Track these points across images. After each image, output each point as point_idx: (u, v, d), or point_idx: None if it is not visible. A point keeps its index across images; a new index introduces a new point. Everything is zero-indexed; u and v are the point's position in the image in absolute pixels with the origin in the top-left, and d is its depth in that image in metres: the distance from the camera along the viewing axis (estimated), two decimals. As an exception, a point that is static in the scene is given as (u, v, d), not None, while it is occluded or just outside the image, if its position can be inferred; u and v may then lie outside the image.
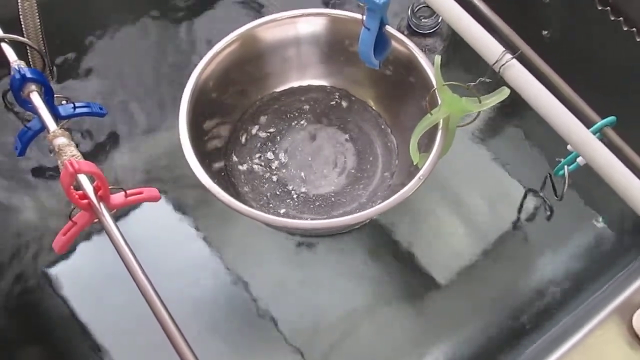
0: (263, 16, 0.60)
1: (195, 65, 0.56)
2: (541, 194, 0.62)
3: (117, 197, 0.45)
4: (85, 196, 0.42)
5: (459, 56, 0.69)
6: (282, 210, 0.59)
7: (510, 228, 0.62)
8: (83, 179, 0.43)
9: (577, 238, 0.61)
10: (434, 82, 0.51)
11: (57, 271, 0.59)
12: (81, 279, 0.59)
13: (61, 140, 0.45)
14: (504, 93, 0.46)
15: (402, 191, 0.49)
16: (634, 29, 0.70)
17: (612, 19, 0.71)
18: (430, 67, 0.54)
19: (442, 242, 0.61)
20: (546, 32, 0.70)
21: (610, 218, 0.61)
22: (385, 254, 0.60)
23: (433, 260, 0.60)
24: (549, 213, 0.61)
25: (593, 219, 0.62)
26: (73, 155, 0.44)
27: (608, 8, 0.71)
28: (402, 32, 0.63)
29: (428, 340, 0.57)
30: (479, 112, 0.48)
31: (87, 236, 0.60)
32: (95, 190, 0.42)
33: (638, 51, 0.66)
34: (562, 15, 0.72)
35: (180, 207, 0.62)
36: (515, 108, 0.65)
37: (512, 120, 0.67)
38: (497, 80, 0.45)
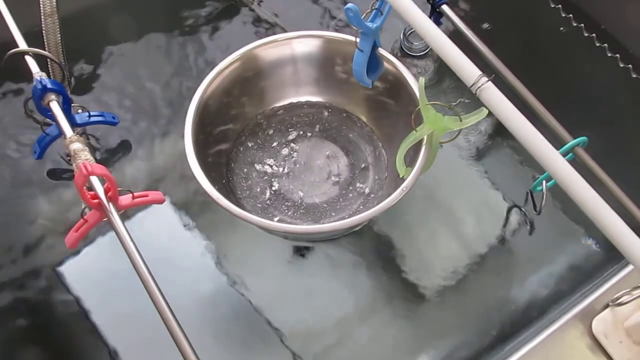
0: (270, 34, 0.61)
1: (202, 80, 0.58)
2: (523, 209, 0.63)
3: (125, 199, 0.46)
4: (96, 196, 0.44)
5: (448, 77, 0.70)
6: (278, 218, 0.60)
7: (496, 241, 0.62)
8: (95, 181, 0.45)
9: (561, 251, 0.62)
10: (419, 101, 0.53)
11: (67, 269, 0.60)
12: (89, 277, 0.60)
13: (76, 146, 0.48)
14: (482, 113, 0.48)
15: (385, 201, 0.51)
16: (605, 44, 0.72)
17: (586, 35, 0.73)
18: (417, 87, 0.56)
19: (431, 253, 0.62)
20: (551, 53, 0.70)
21: (594, 231, 0.60)
22: (377, 263, 0.61)
23: (422, 271, 0.61)
24: (529, 227, 0.63)
25: (577, 232, 0.63)
26: (87, 159, 0.46)
27: (582, 25, 0.73)
28: (396, 54, 0.66)
29: (418, 347, 0.58)
30: (460, 129, 0.50)
31: (94, 238, 0.62)
32: (106, 192, 0.44)
33: (615, 72, 0.68)
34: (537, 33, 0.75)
35: (183, 211, 0.63)
36: (502, 125, 0.66)
37: (500, 136, 0.69)
38: (477, 101, 0.47)
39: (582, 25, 0.73)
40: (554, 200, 0.62)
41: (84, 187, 0.44)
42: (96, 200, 0.45)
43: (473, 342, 0.58)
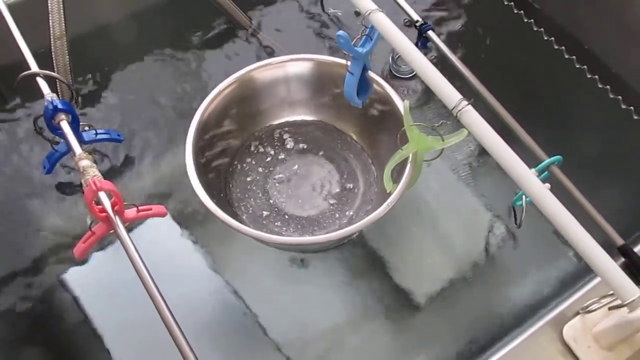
0: (269, 54, 0.64)
1: (202, 100, 0.60)
2: (505, 223, 0.66)
3: (130, 212, 0.48)
4: (103, 210, 0.46)
5: (435, 97, 0.68)
6: (273, 229, 0.62)
7: (480, 254, 0.64)
8: (102, 196, 0.46)
9: (541, 262, 0.63)
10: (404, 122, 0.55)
11: (73, 277, 0.61)
12: (94, 285, 0.61)
13: (85, 163, 0.49)
14: (463, 134, 0.51)
15: (372, 215, 0.53)
16: (585, 66, 0.74)
17: (567, 57, 0.75)
18: (403, 108, 0.57)
19: (420, 264, 0.63)
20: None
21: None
22: (369, 274, 0.62)
23: (412, 281, 0.62)
24: (512, 240, 0.65)
25: (557, 244, 0.64)
26: (95, 175, 0.48)
27: (563, 47, 0.76)
28: (385, 76, 0.69)
29: (408, 356, 0.59)
30: (442, 149, 0.53)
31: (100, 247, 0.63)
32: (112, 205, 0.46)
33: (592, 93, 0.69)
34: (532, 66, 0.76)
35: (184, 223, 0.64)
36: None
37: (486, 152, 0.69)
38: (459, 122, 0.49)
39: (564, 47, 0.75)
40: (537, 213, 0.63)
41: (93, 202, 0.46)
42: (104, 214, 0.46)
43: (454, 351, 0.59)
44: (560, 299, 0.53)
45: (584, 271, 0.59)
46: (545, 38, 0.78)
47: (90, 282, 0.62)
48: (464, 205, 0.68)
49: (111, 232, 0.47)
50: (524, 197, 0.57)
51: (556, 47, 0.76)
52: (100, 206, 0.46)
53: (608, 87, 0.74)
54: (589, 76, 0.73)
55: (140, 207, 0.49)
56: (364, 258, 0.64)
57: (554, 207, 0.45)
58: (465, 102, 0.49)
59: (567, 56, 0.73)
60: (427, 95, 0.72)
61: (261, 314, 0.60)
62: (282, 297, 0.61)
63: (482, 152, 0.70)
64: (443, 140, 0.52)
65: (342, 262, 0.63)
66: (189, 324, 0.54)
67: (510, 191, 0.65)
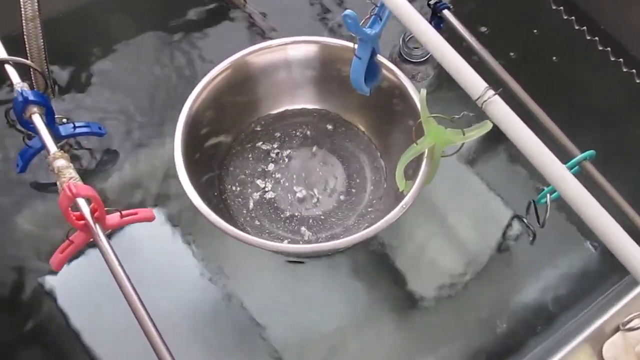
0: (265, 37, 0.62)
1: (193, 87, 0.57)
2: (525, 220, 0.63)
3: (113, 218, 0.46)
4: (82, 217, 0.43)
5: (449, 83, 0.68)
6: (272, 230, 0.60)
7: (496, 251, 0.62)
8: (80, 201, 0.43)
9: (563, 261, 0.62)
10: (420, 113, 0.52)
11: (54, 282, 0.59)
12: (77, 289, 0.59)
13: (60, 163, 0.46)
14: (487, 126, 0.48)
15: (385, 219, 0.50)
16: (621, 59, 0.72)
17: (600, 48, 0.73)
18: (418, 96, 0.55)
19: (429, 261, 0.62)
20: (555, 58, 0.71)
21: (597, 244, 0.62)
22: (372, 272, 0.61)
23: (419, 279, 0.61)
24: (531, 238, 0.62)
25: (580, 242, 0.62)
26: (72, 178, 0.45)
27: (597, 38, 0.73)
28: (394, 60, 0.65)
29: (413, 358, 0.58)
30: (463, 143, 0.49)
31: (84, 250, 0.58)
32: (92, 212, 0.43)
33: (626, 84, 0.68)
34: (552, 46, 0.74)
35: (174, 223, 0.62)
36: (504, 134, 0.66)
37: (502, 144, 0.68)
38: (482, 112, 0.46)
39: (593, 34, 0.73)
40: (558, 211, 0.62)
41: (69, 208, 0.43)
42: (82, 222, 0.44)
43: (471, 357, 0.57)
44: (591, 306, 0.52)
45: (611, 274, 0.59)
46: (577, 27, 0.74)
47: (73, 286, 0.60)
48: (476, 199, 0.66)
49: (91, 240, 0.45)
50: (548, 194, 0.55)
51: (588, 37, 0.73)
52: (77, 213, 0.44)
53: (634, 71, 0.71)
54: (624, 70, 0.71)
55: (124, 212, 0.47)
56: (368, 255, 0.62)
57: (593, 208, 0.41)
58: (491, 92, 0.45)
59: (600, 48, 0.71)
60: (438, 81, 0.69)
61: (259, 316, 0.59)
62: (281, 299, 0.60)
63: (494, 142, 0.68)
64: (464, 134, 0.49)
65: (344, 259, 0.61)
66: (179, 329, 0.56)
67: (526, 185, 0.66)
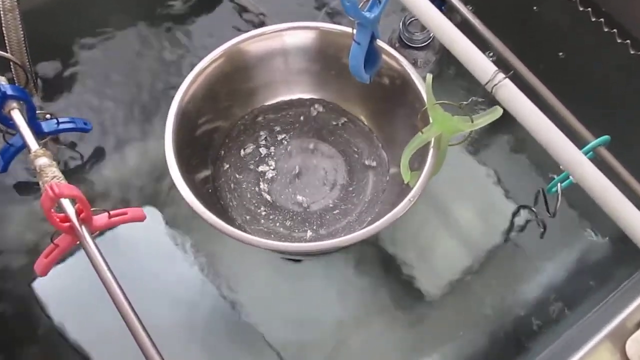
0: (258, 24, 0.60)
1: (183, 79, 0.56)
2: (534, 210, 0.62)
3: (100, 219, 0.44)
4: (67, 219, 0.42)
5: (452, 69, 0.68)
6: (270, 227, 0.58)
7: (502, 242, 0.61)
8: (65, 202, 0.42)
9: (571, 253, 0.61)
10: (425, 100, 0.51)
11: (42, 285, 0.58)
12: (66, 292, 0.59)
13: (42, 161, 0.44)
14: (497, 112, 0.46)
15: (391, 213, 0.49)
16: (627, 40, 0.71)
17: (606, 30, 0.71)
18: (421, 83, 0.54)
19: (433, 254, 0.61)
20: (562, 54, 0.70)
21: (606, 233, 0.61)
22: (374, 266, 0.60)
23: (423, 273, 0.60)
24: (542, 230, 0.61)
25: (588, 234, 0.62)
26: (55, 177, 0.43)
27: (602, 19, 0.72)
28: (394, 45, 0.64)
29: (417, 353, 0.57)
30: (471, 131, 0.48)
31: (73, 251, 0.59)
32: (77, 213, 0.42)
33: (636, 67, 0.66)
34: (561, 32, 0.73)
35: (167, 221, 0.62)
36: (511, 122, 0.65)
37: (508, 133, 0.67)
38: (491, 98, 0.45)
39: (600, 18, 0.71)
40: (568, 200, 0.61)
41: (52, 210, 0.41)
42: (67, 224, 0.42)
43: (480, 353, 0.57)
44: (607, 299, 0.52)
45: (618, 263, 0.60)
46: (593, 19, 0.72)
47: (62, 289, 0.59)
48: (482, 189, 0.65)
49: (77, 243, 0.43)
50: (559, 183, 0.54)
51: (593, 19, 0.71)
52: (62, 214, 0.42)
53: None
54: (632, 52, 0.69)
55: (112, 212, 0.46)
56: (369, 247, 0.61)
57: (611, 194, 0.40)
58: (501, 75, 0.44)
59: (606, 29, 0.69)
60: (439, 67, 0.68)
61: (258, 315, 0.58)
62: (280, 296, 0.60)
63: (502, 129, 0.67)
64: (472, 122, 0.47)
65: (344, 254, 0.61)
66: (176, 330, 0.56)
67: (533, 174, 0.65)
